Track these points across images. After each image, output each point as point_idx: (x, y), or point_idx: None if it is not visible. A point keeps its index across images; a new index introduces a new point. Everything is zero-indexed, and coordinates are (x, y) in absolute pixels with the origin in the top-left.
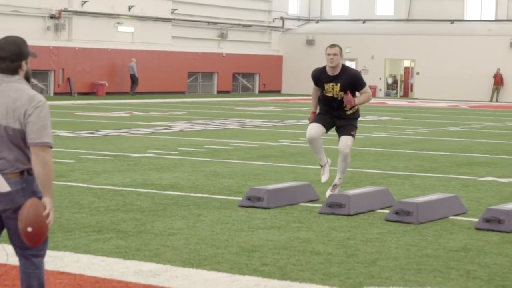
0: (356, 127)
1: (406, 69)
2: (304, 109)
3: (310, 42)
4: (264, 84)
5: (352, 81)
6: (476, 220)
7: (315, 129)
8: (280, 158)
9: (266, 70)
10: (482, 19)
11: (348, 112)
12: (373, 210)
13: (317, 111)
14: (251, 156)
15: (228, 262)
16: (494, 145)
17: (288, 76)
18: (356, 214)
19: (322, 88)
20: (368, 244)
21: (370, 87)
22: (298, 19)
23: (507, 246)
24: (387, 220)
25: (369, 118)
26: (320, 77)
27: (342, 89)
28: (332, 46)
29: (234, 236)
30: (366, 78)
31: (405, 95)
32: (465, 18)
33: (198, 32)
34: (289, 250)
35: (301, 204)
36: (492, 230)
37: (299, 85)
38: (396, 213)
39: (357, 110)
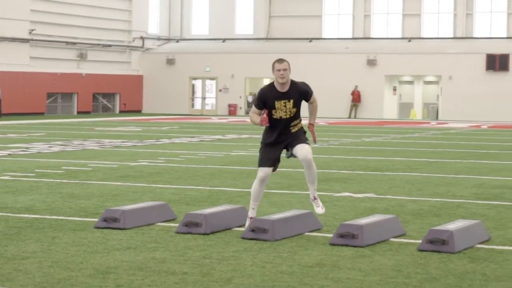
0: (307, 138)
1: None
2: (164, 128)
3: (170, 62)
4: (124, 104)
5: (303, 94)
6: (331, 235)
7: (268, 171)
8: (139, 178)
9: (127, 90)
10: (340, 37)
11: (293, 130)
12: (230, 229)
13: (266, 139)
14: (110, 177)
15: (82, 285)
16: (351, 161)
17: (148, 96)
18: (213, 232)
19: (272, 107)
20: (224, 262)
21: (230, 105)
22: (158, 39)
23: (360, 261)
24: (243, 238)
25: (229, 136)
26: (270, 95)
27: (295, 105)
28: (281, 61)
29: (89, 258)
30: (226, 97)
31: None
32: (323, 37)
33: (57, 53)
34: (145, 270)
35: (158, 224)
36: (346, 245)
37: (160, 105)
38: (252, 230)
39: (302, 127)
